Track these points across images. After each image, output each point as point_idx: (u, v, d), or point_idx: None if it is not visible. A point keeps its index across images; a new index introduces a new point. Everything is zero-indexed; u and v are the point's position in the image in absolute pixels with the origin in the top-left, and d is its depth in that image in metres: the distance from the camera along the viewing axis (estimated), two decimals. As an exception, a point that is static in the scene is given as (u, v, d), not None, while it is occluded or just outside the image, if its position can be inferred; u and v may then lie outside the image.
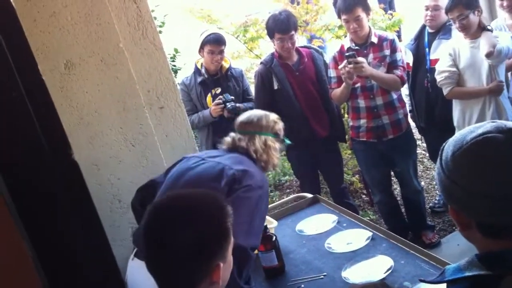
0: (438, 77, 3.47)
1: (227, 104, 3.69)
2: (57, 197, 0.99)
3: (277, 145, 2.36)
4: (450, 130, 3.36)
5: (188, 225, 1.34)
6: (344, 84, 3.47)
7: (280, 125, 2.42)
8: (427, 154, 4.64)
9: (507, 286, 1.01)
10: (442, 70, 3.44)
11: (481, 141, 1.03)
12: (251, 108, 3.92)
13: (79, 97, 2.62)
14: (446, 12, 3.32)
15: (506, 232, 1.03)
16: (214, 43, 3.78)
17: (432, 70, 3.68)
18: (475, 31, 3.28)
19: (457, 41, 3.40)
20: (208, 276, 1.35)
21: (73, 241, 1.00)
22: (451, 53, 3.40)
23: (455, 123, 3.52)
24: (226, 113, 3.70)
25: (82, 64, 2.65)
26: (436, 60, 3.64)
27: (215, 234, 1.37)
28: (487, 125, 1.06)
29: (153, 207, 1.42)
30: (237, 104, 3.74)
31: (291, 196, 3.26)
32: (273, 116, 2.42)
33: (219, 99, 3.73)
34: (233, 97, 3.75)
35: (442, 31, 3.65)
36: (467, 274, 1.05)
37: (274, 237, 2.30)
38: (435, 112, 3.75)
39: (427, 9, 3.65)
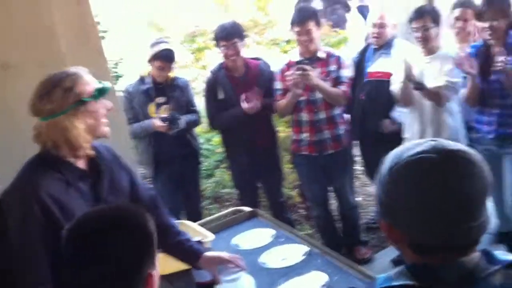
0: (392, 87, 3.56)
1: (173, 126, 3.69)
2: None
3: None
4: (382, 143, 3.47)
5: (116, 236, 1.32)
6: (291, 94, 3.52)
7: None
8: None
9: None
10: (395, 82, 3.51)
11: (416, 160, 1.05)
12: (195, 122, 3.95)
13: (15, 102, 2.53)
14: (411, 21, 3.40)
15: (433, 250, 1.06)
16: (165, 60, 3.77)
17: (368, 83, 3.80)
18: (432, 47, 3.39)
19: (413, 54, 3.48)
20: (142, 287, 1.33)
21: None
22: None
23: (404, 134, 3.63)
24: (171, 132, 3.70)
25: (20, 67, 2.56)
26: (373, 74, 3.77)
27: (144, 241, 1.35)
28: (426, 144, 1.08)
29: (75, 226, 1.37)
30: (180, 126, 3.72)
31: (229, 209, 3.25)
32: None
33: (164, 118, 3.71)
34: (179, 117, 3.74)
35: (384, 47, 3.78)
36: (394, 283, 1.07)
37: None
38: (369, 125, 3.86)
39: (374, 26, 3.78)
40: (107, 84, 1.95)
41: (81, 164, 1.93)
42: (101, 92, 1.91)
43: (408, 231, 1.08)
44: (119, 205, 1.54)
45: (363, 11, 6.20)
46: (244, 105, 3.63)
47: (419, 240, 1.07)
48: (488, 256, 1.08)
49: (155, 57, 3.76)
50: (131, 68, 4.86)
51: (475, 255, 1.07)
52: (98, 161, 1.97)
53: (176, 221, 2.39)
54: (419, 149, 1.07)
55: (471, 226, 1.04)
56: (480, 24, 3.20)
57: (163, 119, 3.69)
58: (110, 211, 1.44)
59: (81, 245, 1.33)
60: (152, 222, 1.39)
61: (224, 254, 2.17)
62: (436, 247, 1.06)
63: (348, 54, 4.05)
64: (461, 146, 1.09)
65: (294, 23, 3.58)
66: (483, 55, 3.20)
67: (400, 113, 3.71)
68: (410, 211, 1.05)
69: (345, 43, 5.02)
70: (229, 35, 3.66)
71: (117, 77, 5.21)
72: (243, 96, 3.64)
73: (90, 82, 1.90)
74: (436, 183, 1.03)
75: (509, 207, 3.28)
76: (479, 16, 3.19)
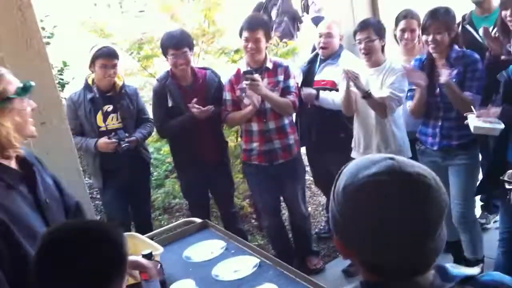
0: (337, 97, 3.60)
1: (122, 144, 3.60)
2: None
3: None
4: (330, 152, 3.60)
5: (86, 252, 1.31)
6: (249, 107, 3.53)
7: None
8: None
9: None
10: (340, 91, 3.55)
11: (370, 182, 1.02)
12: (149, 133, 3.88)
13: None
14: (355, 32, 3.47)
15: (387, 271, 1.05)
16: (107, 57, 3.63)
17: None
18: (376, 59, 3.46)
19: (358, 66, 3.53)
20: None
21: None
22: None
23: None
24: (120, 151, 3.60)
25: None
26: (318, 82, 3.81)
27: (114, 260, 1.34)
28: (382, 163, 1.04)
29: (48, 236, 1.37)
30: (131, 142, 3.64)
31: (180, 220, 3.18)
32: None
33: (111, 137, 3.61)
34: (127, 134, 3.66)
35: (331, 57, 3.82)
36: None
37: (159, 264, 2.21)
38: (316, 134, 3.89)
39: (320, 36, 3.82)
40: (31, 82, 1.90)
41: (12, 165, 1.87)
42: (25, 90, 1.87)
43: (362, 252, 1.05)
44: (96, 222, 1.55)
45: (318, 22, 6.27)
46: (194, 109, 3.57)
47: (373, 261, 1.05)
48: (442, 272, 1.08)
49: (96, 57, 3.63)
50: (77, 75, 4.70)
51: (430, 273, 1.06)
52: (29, 162, 1.91)
53: (125, 234, 2.31)
54: (375, 169, 1.03)
55: (427, 248, 1.03)
56: (425, 37, 3.28)
57: (111, 142, 3.60)
58: (87, 226, 1.43)
59: (49, 259, 1.31)
60: (126, 242, 1.40)
61: (142, 260, 2.10)
62: (390, 268, 1.04)
63: (297, 64, 4.07)
64: (418, 167, 1.05)
65: (243, 29, 3.57)
66: (427, 68, 3.27)
67: (332, 101, 3.70)
68: (365, 233, 1.02)
69: (293, 54, 5.06)
70: (179, 43, 3.60)
71: (63, 84, 5.05)
72: (193, 101, 3.58)
73: (12, 81, 1.85)
74: (392, 208, 1.00)
75: (455, 217, 3.36)
76: (424, 29, 3.26)
